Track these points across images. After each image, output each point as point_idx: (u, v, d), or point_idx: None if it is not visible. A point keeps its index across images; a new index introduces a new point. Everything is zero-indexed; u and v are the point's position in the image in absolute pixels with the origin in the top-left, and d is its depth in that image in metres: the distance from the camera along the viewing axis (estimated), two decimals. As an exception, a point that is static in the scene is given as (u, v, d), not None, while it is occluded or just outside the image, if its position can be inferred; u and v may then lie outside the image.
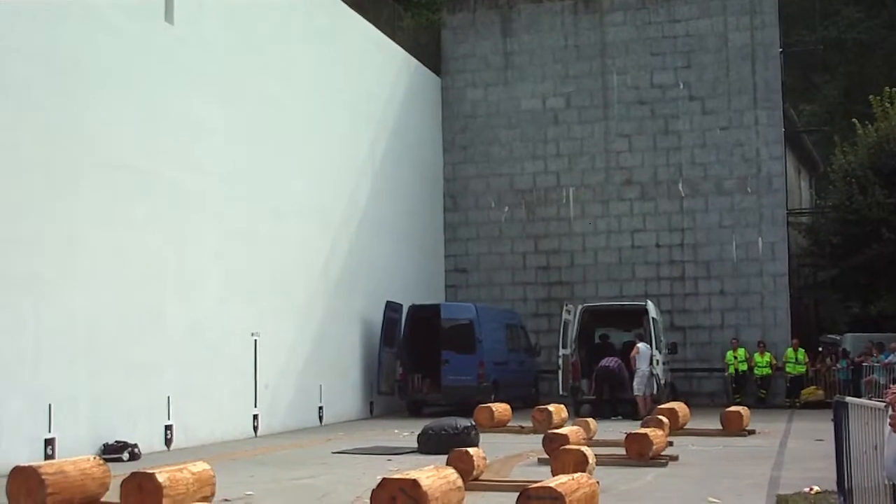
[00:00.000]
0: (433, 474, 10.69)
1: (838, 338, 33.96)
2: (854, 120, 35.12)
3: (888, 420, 6.80)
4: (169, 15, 20.80)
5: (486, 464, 14.66)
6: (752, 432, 21.76)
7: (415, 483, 10.11)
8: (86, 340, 17.90)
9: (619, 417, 25.89)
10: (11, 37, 16.83)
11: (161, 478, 10.69)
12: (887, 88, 34.17)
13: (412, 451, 18.41)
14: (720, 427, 21.67)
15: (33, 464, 11.60)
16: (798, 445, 19.76)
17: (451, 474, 11.17)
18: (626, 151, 33.89)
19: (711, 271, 32.88)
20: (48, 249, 17.29)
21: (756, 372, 31.26)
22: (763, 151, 32.74)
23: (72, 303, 17.72)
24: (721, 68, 33.25)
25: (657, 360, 27.23)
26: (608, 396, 27.35)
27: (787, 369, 30.92)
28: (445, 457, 14.02)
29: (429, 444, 18.31)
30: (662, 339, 28.54)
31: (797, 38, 39.58)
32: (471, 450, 14.32)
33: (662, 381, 27.73)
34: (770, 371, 31.21)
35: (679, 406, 22.28)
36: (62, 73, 17.88)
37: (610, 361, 27.19)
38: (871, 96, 35.03)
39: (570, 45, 34.72)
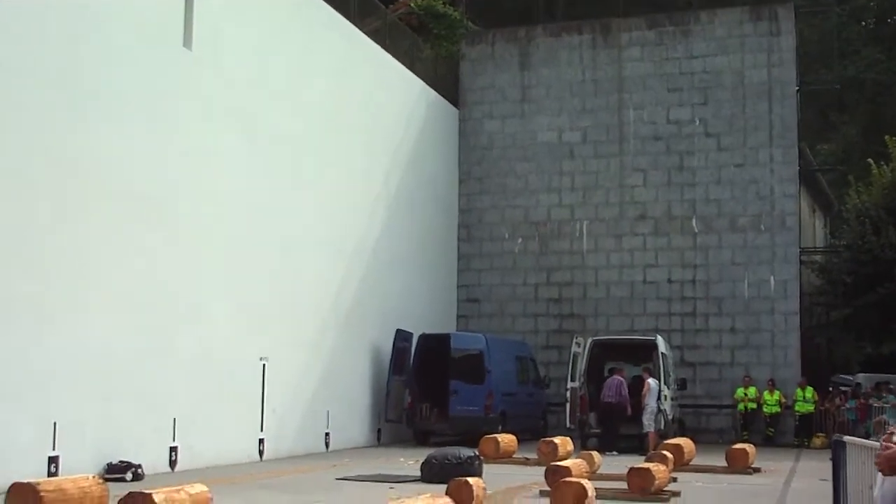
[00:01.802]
0: (428, 503, 10.76)
1: (851, 378, 33.81)
2: (869, 160, 35.14)
3: (875, 460, 6.81)
4: (187, 40, 20.97)
5: (486, 494, 14.69)
6: (757, 470, 21.66)
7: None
8: (95, 364, 17.92)
9: (615, 453, 25.17)
10: (29, 62, 16.97)
11: (158, 498, 10.74)
12: (903, 129, 34.26)
13: (415, 480, 18.45)
14: (725, 464, 21.63)
15: (32, 480, 11.69)
16: (802, 485, 19.69)
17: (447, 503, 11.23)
18: (640, 186, 33.95)
19: (723, 308, 32.83)
20: (60, 274, 17.38)
21: (765, 410, 31.12)
22: (777, 189, 32.76)
23: (83, 327, 17.79)
24: (737, 105, 33.32)
25: (665, 396, 27.16)
26: (610, 431, 27.24)
27: (797, 408, 30.86)
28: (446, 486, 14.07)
29: (431, 473, 18.35)
30: (672, 374, 28.49)
31: (815, 76, 39.64)
32: (471, 480, 14.34)
33: (670, 417, 27.65)
34: (779, 409, 31.10)
35: (685, 442, 22.25)
36: (79, 99, 18.01)
37: (610, 397, 26.93)
38: (887, 137, 35.06)
39: (587, 80, 34.87)
